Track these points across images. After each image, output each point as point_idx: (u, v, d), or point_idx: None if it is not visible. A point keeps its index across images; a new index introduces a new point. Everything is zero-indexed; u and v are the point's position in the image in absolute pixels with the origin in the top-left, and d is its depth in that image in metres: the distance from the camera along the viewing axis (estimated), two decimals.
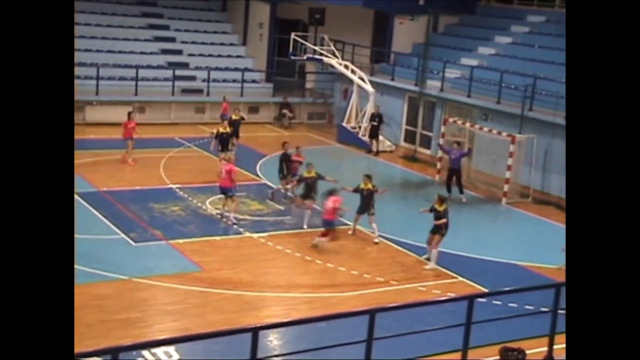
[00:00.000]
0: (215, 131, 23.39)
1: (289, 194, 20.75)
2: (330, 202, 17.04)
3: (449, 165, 22.44)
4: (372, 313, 7.78)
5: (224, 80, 32.35)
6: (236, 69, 33.15)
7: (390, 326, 8.49)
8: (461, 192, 22.19)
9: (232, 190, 18.75)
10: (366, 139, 28.57)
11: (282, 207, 20.16)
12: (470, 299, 8.50)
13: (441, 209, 16.56)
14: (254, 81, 33.47)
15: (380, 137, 28.72)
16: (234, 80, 32.35)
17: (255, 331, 7.20)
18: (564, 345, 10.92)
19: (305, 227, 18.50)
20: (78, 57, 29.13)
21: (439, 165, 24.78)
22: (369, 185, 18.25)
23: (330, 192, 17.29)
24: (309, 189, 18.92)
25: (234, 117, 25.42)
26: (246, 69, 33.42)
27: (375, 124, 28.26)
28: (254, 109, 31.95)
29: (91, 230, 16.87)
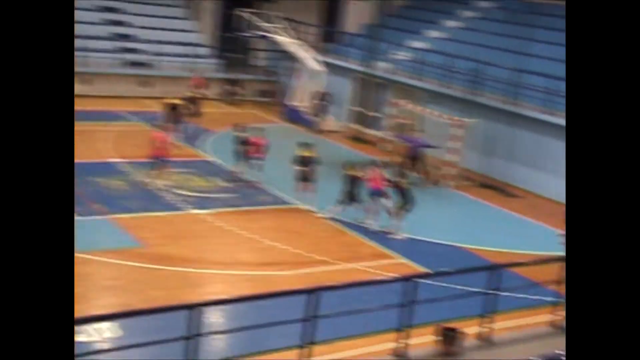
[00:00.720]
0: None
1: (244, 175, 20.63)
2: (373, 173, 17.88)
3: (410, 152, 22.69)
4: (313, 292, 7.86)
5: (172, 55, 31.93)
6: (185, 44, 32.73)
7: (331, 305, 8.60)
8: (424, 178, 22.35)
9: (160, 160, 18.66)
10: (313, 118, 28.61)
11: (227, 185, 20.10)
12: (411, 279, 8.65)
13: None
14: (203, 57, 33.11)
15: (327, 117, 28.78)
16: (183, 55, 31.96)
17: (196, 308, 7.22)
18: (499, 324, 11.22)
19: (314, 208, 18.57)
20: None
21: (386, 146, 24.96)
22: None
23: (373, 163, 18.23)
24: (308, 171, 18.59)
25: (189, 94, 25.35)
26: (195, 44, 33.02)
27: (322, 103, 28.30)
28: (200, 84, 31.64)
29: None
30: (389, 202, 17.71)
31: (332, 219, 18.16)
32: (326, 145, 26.67)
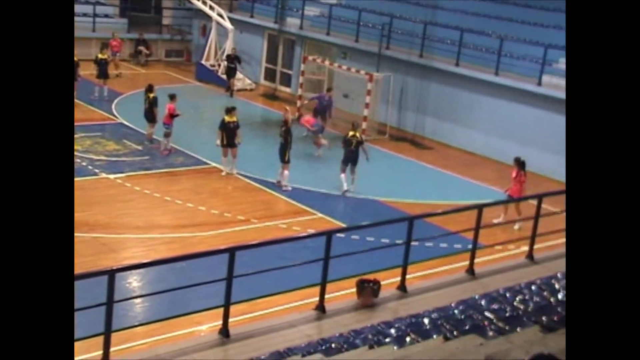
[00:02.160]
0: None
1: (155, 137, 20.17)
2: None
3: (318, 107, 22.78)
4: (231, 251, 7.84)
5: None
6: (87, 2, 31.60)
7: (251, 263, 8.61)
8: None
9: None
10: (225, 77, 28.24)
11: (139, 147, 19.71)
12: (329, 234, 8.74)
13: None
14: (106, 16, 32.08)
15: (240, 75, 28.43)
16: (85, 14, 30.85)
17: (111, 274, 7.10)
18: (417, 274, 11.50)
19: (234, 172, 18.24)
20: None
21: (299, 103, 24.93)
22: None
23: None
24: (231, 135, 18.07)
25: (99, 56, 24.68)
26: (98, 2, 31.95)
27: (232, 66, 27.78)
28: (107, 45, 30.66)
29: None
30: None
31: (249, 177, 18.09)
32: (239, 103, 26.35)
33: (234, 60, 27.81)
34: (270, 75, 29.81)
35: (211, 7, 29.47)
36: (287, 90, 28.67)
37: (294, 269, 8.96)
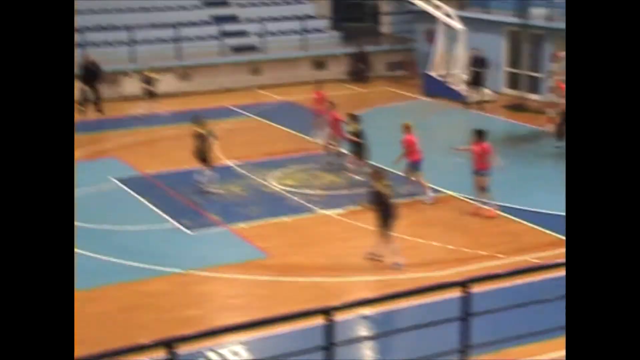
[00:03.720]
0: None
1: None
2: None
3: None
4: (466, 285, 7.56)
5: (281, 33, 32.09)
6: (295, 18, 32.96)
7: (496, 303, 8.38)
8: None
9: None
10: (464, 88, 27.92)
11: (360, 178, 19.93)
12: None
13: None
14: (317, 30, 33.20)
15: (483, 85, 28.09)
16: (294, 32, 32.18)
17: (329, 313, 6.98)
18: None
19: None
20: (107, 19, 29.93)
21: (551, 112, 24.07)
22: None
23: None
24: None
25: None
26: (307, 17, 33.19)
27: (478, 70, 27.58)
28: (319, 63, 31.69)
29: (138, 220, 17.29)
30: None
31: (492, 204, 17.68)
32: (479, 118, 25.96)
33: (481, 63, 27.52)
34: (513, 81, 29.18)
35: (436, 6, 29.47)
36: (536, 97, 27.80)
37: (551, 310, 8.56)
